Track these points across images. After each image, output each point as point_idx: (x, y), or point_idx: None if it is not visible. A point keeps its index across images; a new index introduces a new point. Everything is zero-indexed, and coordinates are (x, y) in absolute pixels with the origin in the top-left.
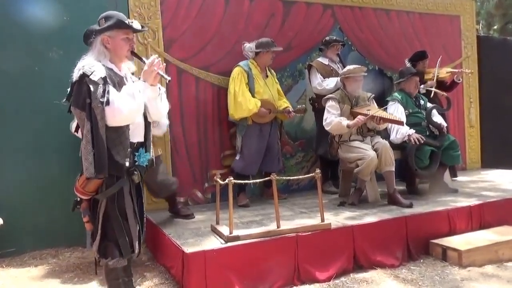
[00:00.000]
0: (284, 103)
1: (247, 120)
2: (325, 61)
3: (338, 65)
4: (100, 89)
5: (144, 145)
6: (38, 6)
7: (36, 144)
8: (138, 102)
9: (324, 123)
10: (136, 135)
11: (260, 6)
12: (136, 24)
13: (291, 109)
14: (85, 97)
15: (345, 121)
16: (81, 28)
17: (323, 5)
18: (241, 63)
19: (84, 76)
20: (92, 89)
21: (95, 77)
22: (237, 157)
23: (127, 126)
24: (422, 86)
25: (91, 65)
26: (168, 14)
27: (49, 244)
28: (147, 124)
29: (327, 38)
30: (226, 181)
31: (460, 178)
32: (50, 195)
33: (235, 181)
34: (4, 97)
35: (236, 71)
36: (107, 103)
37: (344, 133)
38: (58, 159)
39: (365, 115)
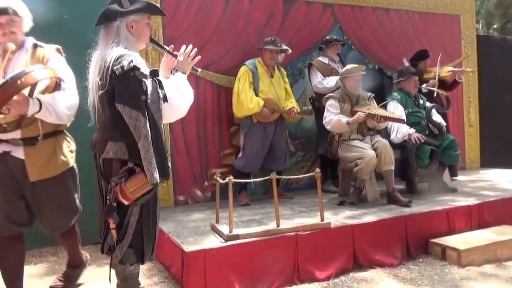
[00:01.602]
0: (290, 104)
1: (251, 118)
2: (325, 60)
3: (338, 65)
4: (154, 84)
5: None
6: (37, 3)
7: None
8: (191, 96)
9: (324, 122)
10: None
11: (260, 5)
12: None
13: (296, 109)
14: (137, 93)
15: (344, 118)
16: (81, 27)
17: (323, 4)
18: (247, 62)
19: (133, 69)
20: (146, 84)
21: (145, 71)
22: (240, 155)
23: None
24: (424, 85)
25: (133, 56)
26: (169, 13)
27: (48, 243)
28: None
29: (327, 37)
30: (226, 180)
31: (459, 177)
32: None
33: (235, 180)
34: None
35: (241, 70)
36: (165, 99)
37: (344, 132)
38: None
39: (365, 112)
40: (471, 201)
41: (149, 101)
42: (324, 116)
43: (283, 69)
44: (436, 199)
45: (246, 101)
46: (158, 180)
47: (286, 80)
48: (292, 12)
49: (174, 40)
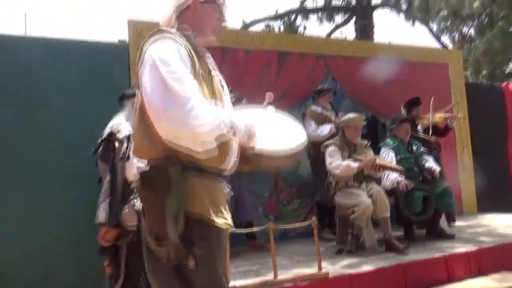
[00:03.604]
0: None
1: None
2: (318, 109)
3: (331, 112)
4: (124, 146)
5: None
6: (42, 60)
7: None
8: None
9: (329, 167)
10: None
11: (256, 57)
12: None
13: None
14: (110, 152)
15: (354, 164)
16: (81, 81)
17: (316, 55)
18: None
19: (111, 134)
20: (116, 145)
21: (121, 135)
22: None
23: None
24: (419, 126)
25: (119, 124)
26: None
27: None
28: None
29: (319, 87)
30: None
31: (457, 223)
32: (48, 245)
33: (234, 229)
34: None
35: None
36: (127, 158)
37: (341, 179)
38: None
39: (375, 158)
40: (470, 247)
41: (116, 159)
42: (329, 161)
43: None
44: (435, 245)
45: None
46: (104, 221)
47: None
48: (286, 64)
49: None
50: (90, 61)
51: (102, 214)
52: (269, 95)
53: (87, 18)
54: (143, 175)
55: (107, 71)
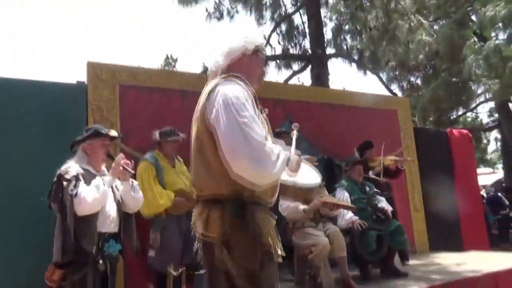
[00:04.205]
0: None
1: (161, 214)
2: None
3: None
4: (72, 185)
5: (117, 235)
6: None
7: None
8: (100, 192)
9: (280, 209)
10: (106, 226)
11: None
12: (113, 133)
13: None
14: (59, 192)
15: (301, 206)
16: (38, 122)
17: (274, 100)
18: (146, 156)
19: (60, 176)
20: (64, 185)
21: (68, 175)
22: (152, 254)
23: (96, 217)
24: (370, 171)
25: (68, 166)
26: (126, 107)
27: None
28: (124, 216)
29: (277, 130)
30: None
31: (410, 261)
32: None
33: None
34: None
35: (141, 166)
36: (76, 194)
37: (298, 220)
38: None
39: (320, 200)
40: (422, 285)
41: (64, 197)
42: (280, 203)
43: (179, 157)
44: (389, 284)
45: (155, 198)
46: (60, 259)
47: (186, 167)
48: None
49: (130, 132)
50: (48, 102)
51: (56, 253)
52: (296, 126)
53: (46, 59)
54: (235, 217)
55: (65, 112)
